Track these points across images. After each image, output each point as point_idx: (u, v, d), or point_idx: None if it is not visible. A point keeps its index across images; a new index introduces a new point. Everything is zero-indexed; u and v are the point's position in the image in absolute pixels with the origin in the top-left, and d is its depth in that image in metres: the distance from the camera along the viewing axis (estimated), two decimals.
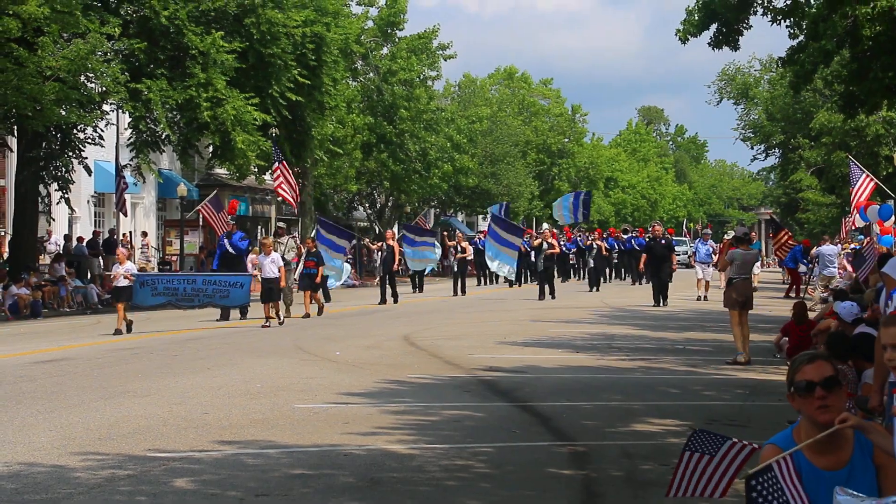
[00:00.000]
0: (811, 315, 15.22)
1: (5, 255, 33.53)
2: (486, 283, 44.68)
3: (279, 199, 29.86)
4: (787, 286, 36.56)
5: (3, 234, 36.19)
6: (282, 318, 22.94)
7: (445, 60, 58.62)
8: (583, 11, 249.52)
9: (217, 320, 23.73)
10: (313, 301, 25.51)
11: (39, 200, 32.60)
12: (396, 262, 31.36)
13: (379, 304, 29.67)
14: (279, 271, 22.72)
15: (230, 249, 24.97)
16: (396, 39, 55.61)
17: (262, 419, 10.95)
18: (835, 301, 12.20)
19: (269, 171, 29.06)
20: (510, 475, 8.61)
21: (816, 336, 11.71)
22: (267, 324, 22.04)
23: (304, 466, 8.80)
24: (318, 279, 25.45)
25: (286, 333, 20.98)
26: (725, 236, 52.79)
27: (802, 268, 35.05)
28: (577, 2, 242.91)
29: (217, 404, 11.86)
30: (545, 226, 38.13)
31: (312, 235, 29.69)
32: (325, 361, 16.05)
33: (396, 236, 35.49)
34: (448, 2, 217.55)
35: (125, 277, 21.37)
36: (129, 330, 20.83)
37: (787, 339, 13.94)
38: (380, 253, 31.52)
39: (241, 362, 15.95)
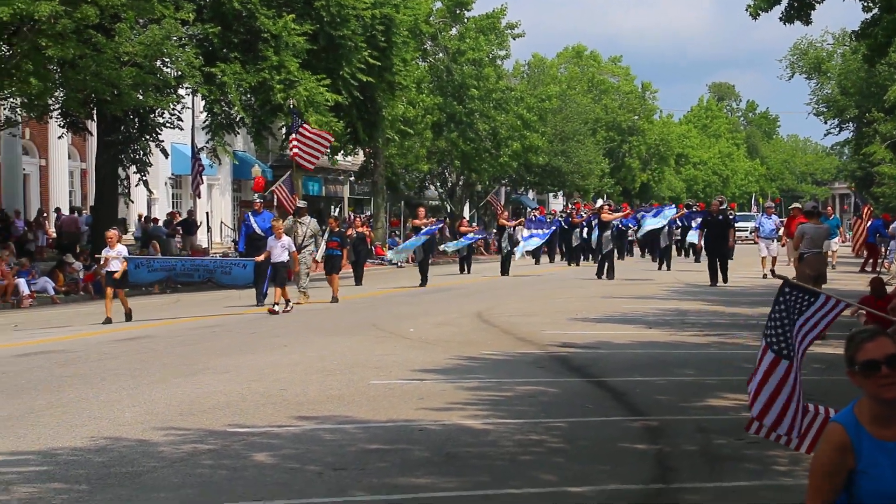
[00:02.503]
0: (888, 290, 15.02)
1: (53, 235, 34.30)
2: (538, 262, 43.84)
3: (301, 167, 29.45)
4: (863, 260, 35.94)
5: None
6: (290, 305, 21.08)
7: (514, 39, 58.63)
8: None
9: (255, 305, 22.62)
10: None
11: (119, 183, 33.26)
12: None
13: (419, 285, 28.74)
14: (290, 256, 21.43)
15: (257, 230, 23.65)
16: (465, 20, 55.64)
17: (339, 395, 11.13)
18: None
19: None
20: (583, 450, 8.69)
21: (893, 311, 11.57)
22: (275, 309, 20.61)
23: (380, 441, 8.95)
24: (344, 261, 24.04)
25: (359, 312, 21.20)
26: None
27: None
28: None
29: (294, 380, 12.07)
30: (599, 202, 36.38)
31: (335, 215, 29.11)
32: (398, 338, 16.22)
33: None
34: None
35: (124, 261, 19.96)
36: (128, 318, 19.64)
37: (863, 312, 13.76)
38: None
39: (316, 340, 16.19)
